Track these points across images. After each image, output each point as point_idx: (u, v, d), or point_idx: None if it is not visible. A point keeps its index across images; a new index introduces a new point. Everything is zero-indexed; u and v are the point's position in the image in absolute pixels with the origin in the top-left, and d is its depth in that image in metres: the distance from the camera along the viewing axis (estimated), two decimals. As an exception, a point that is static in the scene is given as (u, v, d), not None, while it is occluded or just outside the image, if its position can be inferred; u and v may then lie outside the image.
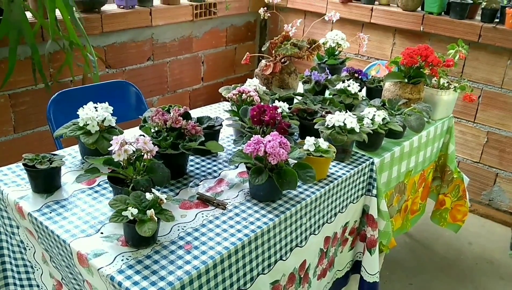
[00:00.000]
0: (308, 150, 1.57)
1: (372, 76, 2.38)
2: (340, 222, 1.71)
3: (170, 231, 1.30)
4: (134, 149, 1.32)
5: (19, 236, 1.45)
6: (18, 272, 1.50)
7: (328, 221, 1.63)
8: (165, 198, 1.24)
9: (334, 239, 1.71)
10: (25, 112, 2.63)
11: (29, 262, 1.47)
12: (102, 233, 1.27)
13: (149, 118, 1.53)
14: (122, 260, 1.17)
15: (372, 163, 1.77)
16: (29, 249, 1.44)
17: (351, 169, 1.69)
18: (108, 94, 2.31)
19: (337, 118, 1.67)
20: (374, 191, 1.79)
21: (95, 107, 1.60)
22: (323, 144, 1.58)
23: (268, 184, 1.40)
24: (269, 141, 1.39)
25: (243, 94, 1.76)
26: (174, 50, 3.30)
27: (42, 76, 2.41)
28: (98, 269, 1.15)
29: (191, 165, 1.64)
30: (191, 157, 1.68)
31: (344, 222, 1.74)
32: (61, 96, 2.16)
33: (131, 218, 1.18)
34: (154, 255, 1.20)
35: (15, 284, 1.53)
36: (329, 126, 1.68)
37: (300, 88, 2.23)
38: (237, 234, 1.30)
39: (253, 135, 1.53)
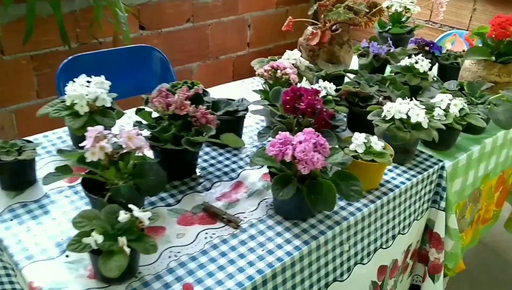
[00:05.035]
0: (355, 151, 1.18)
1: (446, 50, 1.91)
2: (401, 246, 1.32)
3: (159, 258, 0.97)
4: (121, 145, 0.98)
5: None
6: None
7: (384, 246, 1.25)
8: (149, 218, 0.90)
9: (393, 269, 1.32)
10: (50, 75, 2.36)
11: (9, 264, 1.19)
12: (67, 256, 0.95)
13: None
14: (84, 302, 0.86)
15: (442, 167, 1.35)
16: None
17: (414, 175, 1.28)
18: (128, 60, 2.00)
19: (398, 108, 1.26)
20: (443, 204, 1.37)
21: (88, 81, 1.27)
22: (377, 144, 1.18)
23: (297, 199, 1.03)
24: (300, 142, 1.01)
25: (278, 71, 1.38)
26: (217, 11, 2.92)
27: (64, 36, 2.11)
28: (48, 314, 0.83)
29: (205, 160, 1.29)
30: (206, 149, 1.33)
31: (406, 245, 1.35)
32: (73, 62, 1.86)
33: (95, 247, 0.85)
34: (128, 297, 0.87)
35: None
36: (387, 118, 1.28)
37: (355, 64, 1.81)
38: (248, 270, 0.95)
39: (285, 127, 1.17)
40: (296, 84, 1.47)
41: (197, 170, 1.24)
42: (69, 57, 1.89)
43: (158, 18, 2.69)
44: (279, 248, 1.01)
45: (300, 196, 1.02)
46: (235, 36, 3.12)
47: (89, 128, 0.97)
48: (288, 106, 1.21)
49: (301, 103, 1.19)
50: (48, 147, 1.30)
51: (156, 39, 2.73)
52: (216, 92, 1.64)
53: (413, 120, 1.24)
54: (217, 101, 1.23)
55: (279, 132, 1.05)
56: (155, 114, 1.20)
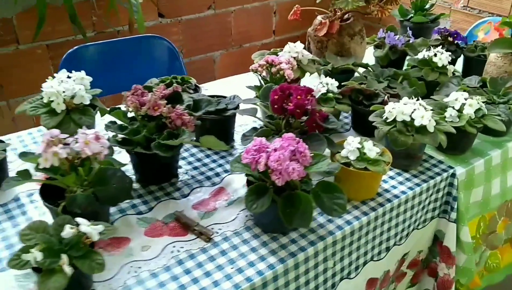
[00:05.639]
0: (347, 157, 1.06)
1: (475, 41, 1.74)
2: (395, 256, 1.20)
3: (117, 273, 0.89)
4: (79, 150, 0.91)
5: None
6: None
7: (375, 259, 1.13)
8: (100, 233, 0.83)
9: (384, 280, 1.21)
10: (67, 65, 2.34)
11: None
12: (21, 268, 0.89)
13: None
14: (24, 323, 0.79)
15: (453, 175, 1.21)
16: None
17: (418, 184, 1.15)
18: (135, 51, 1.92)
19: (401, 109, 1.13)
20: (453, 215, 1.24)
21: (69, 76, 1.20)
22: (371, 150, 1.05)
23: (275, 211, 0.93)
24: (275, 150, 0.91)
25: (273, 66, 1.27)
26: (240, -3, 2.82)
27: (76, 24, 2.07)
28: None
29: (189, 163, 1.20)
30: (193, 150, 1.24)
31: (401, 255, 1.23)
32: (77, 53, 1.81)
33: (35, 265, 0.78)
34: (72, 319, 0.80)
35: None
36: (388, 120, 1.15)
37: (370, 56, 1.67)
38: (211, 290, 0.86)
39: (270, 129, 1.08)
40: (296, 80, 1.36)
41: (181, 172, 1.16)
42: (75, 47, 1.85)
43: (178, 5, 2.61)
44: (250, 266, 0.91)
45: (276, 208, 0.92)
46: (260, 23, 3.00)
47: (45, 132, 0.90)
48: (276, 106, 1.11)
49: (289, 103, 1.09)
50: (29, 146, 1.25)
51: (175, 27, 2.65)
52: (216, 87, 1.56)
53: (416, 123, 1.11)
54: (198, 100, 1.13)
55: (255, 137, 0.95)
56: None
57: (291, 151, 0.91)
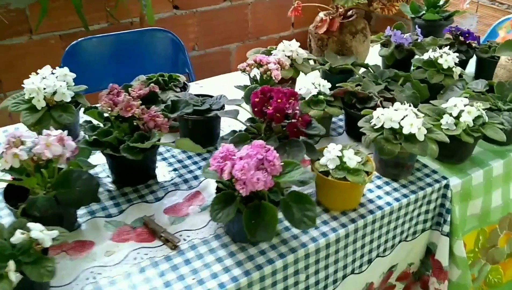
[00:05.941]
0: (326, 165, 1.01)
1: (489, 41, 1.64)
2: (379, 268, 1.14)
3: (76, 279, 0.87)
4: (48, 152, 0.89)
5: None
6: None
7: (356, 271, 1.08)
8: (53, 239, 0.80)
9: (367, 292, 1.16)
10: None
11: None
12: (-20, 269, 0.88)
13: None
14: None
15: (446, 186, 1.14)
16: None
17: (405, 195, 1.09)
18: (138, 44, 1.90)
19: (390, 115, 1.07)
20: (446, 228, 1.17)
21: (53, 73, 1.19)
22: (351, 159, 1.00)
23: (242, 221, 0.89)
24: (241, 158, 0.86)
25: (261, 66, 1.22)
26: (257, -11, 2.77)
27: (79, 16, 2.07)
28: None
29: (170, 164, 1.17)
30: (174, 151, 1.21)
31: (387, 267, 1.17)
32: (76, 48, 1.80)
33: (-19, 270, 0.76)
34: (20, 326, 0.79)
35: None
36: (376, 127, 1.09)
37: (376, 56, 1.59)
38: (168, 302, 0.83)
39: (247, 133, 1.04)
40: (289, 80, 1.31)
41: (160, 174, 1.13)
42: (79, 39, 1.84)
43: (193, -4, 2.59)
44: (213, 278, 0.88)
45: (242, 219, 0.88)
46: (278, 15, 2.94)
47: (9, 132, 0.89)
48: (256, 109, 1.06)
49: (269, 107, 1.04)
50: (14, 141, 1.24)
51: (190, 19, 2.62)
52: (216, 85, 1.53)
53: (405, 131, 1.04)
54: (176, 101, 1.10)
55: (223, 144, 0.91)
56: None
57: (259, 159, 0.87)
